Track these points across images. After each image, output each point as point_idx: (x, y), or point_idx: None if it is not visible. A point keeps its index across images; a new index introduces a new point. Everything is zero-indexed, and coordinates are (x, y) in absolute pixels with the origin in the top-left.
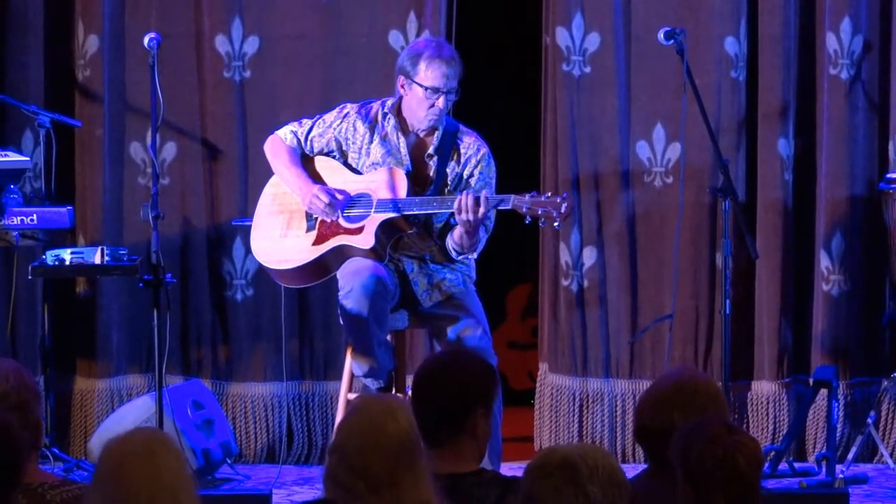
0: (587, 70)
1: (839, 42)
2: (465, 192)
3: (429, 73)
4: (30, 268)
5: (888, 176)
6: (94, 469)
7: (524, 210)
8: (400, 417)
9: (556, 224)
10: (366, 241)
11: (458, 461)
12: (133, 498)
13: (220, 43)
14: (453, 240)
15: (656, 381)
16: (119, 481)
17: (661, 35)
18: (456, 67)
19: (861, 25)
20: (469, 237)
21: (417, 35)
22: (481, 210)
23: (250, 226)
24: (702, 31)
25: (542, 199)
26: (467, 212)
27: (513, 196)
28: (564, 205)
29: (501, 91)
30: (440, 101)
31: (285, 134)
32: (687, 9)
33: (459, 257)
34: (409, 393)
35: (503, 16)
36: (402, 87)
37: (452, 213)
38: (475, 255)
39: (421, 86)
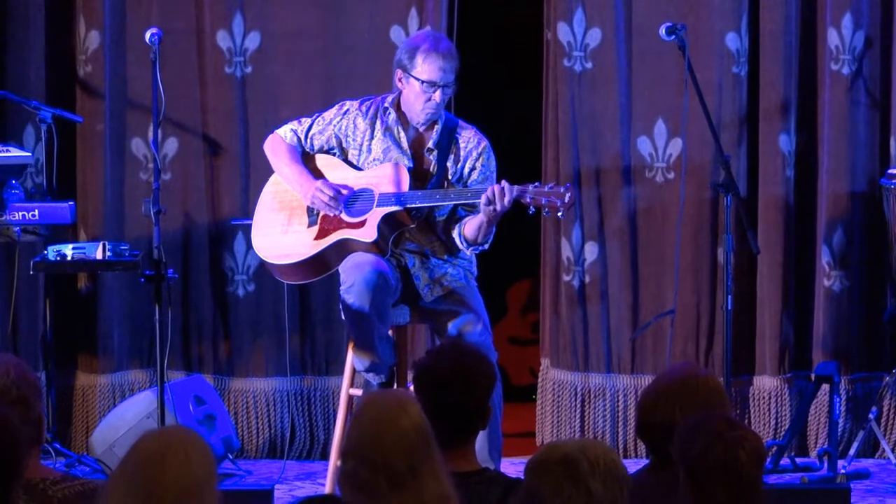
0: (588, 65)
1: (840, 37)
2: (493, 185)
3: (425, 67)
4: (31, 263)
5: (889, 171)
6: (124, 460)
7: (528, 200)
8: (411, 410)
9: (559, 214)
10: (368, 234)
11: (463, 460)
12: (163, 492)
13: (222, 38)
14: (467, 232)
15: (658, 376)
16: (153, 475)
17: (662, 31)
18: (453, 62)
19: (862, 21)
20: (489, 227)
21: (419, 30)
22: (507, 198)
23: (249, 225)
24: (703, 27)
25: (546, 189)
26: (497, 202)
27: (516, 187)
28: (568, 195)
29: (503, 87)
30: (437, 95)
31: (285, 132)
32: (688, 4)
33: (469, 250)
34: (412, 388)
35: (504, 11)
36: (400, 80)
37: (455, 207)
38: (486, 247)
39: (418, 80)
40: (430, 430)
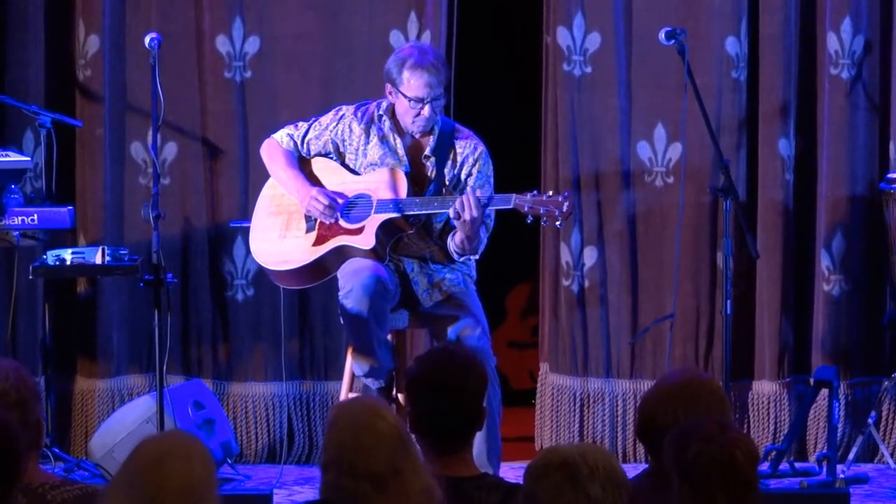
0: (588, 70)
1: (840, 42)
2: (461, 196)
3: (412, 83)
4: (30, 268)
5: (889, 176)
6: (124, 465)
7: (526, 209)
8: (385, 414)
9: (557, 223)
10: (366, 241)
11: (461, 465)
12: (164, 497)
13: (221, 43)
14: (455, 243)
15: (660, 379)
16: (153, 480)
17: (661, 35)
18: (439, 75)
19: (862, 25)
20: (469, 241)
21: (418, 34)
22: (473, 208)
23: (248, 227)
24: (702, 31)
25: (544, 198)
26: (465, 211)
27: (514, 195)
28: (566, 204)
29: (502, 91)
30: (426, 110)
31: (281, 137)
32: (688, 9)
33: (461, 259)
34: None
35: (504, 15)
36: (391, 93)
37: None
38: (477, 256)
39: (405, 96)
40: (406, 428)
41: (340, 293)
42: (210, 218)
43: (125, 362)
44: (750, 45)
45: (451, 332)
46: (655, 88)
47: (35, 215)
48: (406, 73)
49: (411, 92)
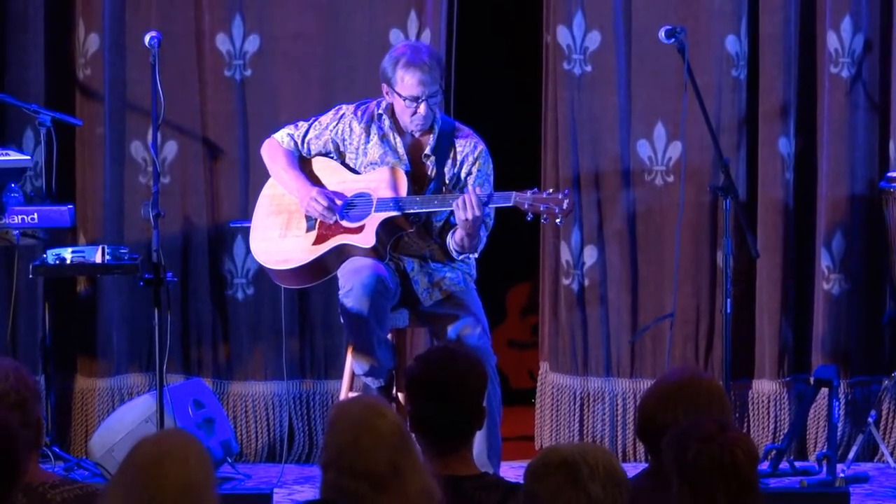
0: (588, 69)
1: (840, 41)
2: (462, 193)
3: (406, 82)
4: (30, 267)
5: (889, 175)
6: (123, 464)
7: (526, 207)
8: (385, 413)
9: (557, 220)
10: (366, 240)
11: (461, 464)
12: (162, 497)
13: (221, 41)
14: (455, 241)
15: (660, 378)
16: (151, 479)
17: (661, 33)
18: (433, 72)
19: (862, 24)
20: (470, 239)
21: (418, 33)
22: (474, 207)
23: (248, 228)
24: (702, 30)
25: (544, 195)
26: (467, 209)
27: (514, 193)
28: (566, 201)
29: (502, 90)
30: (421, 109)
31: (282, 137)
32: (687, 7)
33: (461, 257)
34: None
35: (504, 14)
36: (387, 93)
37: (452, 212)
38: (476, 255)
39: (400, 95)
40: (406, 427)
41: (341, 292)
42: (210, 217)
43: (125, 361)
44: (750, 43)
45: (451, 331)
46: (655, 87)
47: (35, 214)
48: (400, 72)
49: (405, 91)
